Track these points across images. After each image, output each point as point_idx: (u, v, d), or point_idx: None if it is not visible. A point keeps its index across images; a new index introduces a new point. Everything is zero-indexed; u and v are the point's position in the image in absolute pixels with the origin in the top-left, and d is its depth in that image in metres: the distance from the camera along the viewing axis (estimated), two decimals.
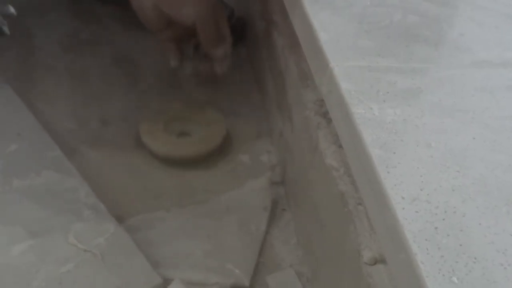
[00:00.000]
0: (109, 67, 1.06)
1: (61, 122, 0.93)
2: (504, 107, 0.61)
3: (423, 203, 0.49)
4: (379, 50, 0.66)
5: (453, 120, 0.58)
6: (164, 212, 0.82)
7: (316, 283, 0.76)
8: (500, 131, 0.58)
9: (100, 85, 1.02)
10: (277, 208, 0.87)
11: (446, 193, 0.50)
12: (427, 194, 0.50)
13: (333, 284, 0.69)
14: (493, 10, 0.77)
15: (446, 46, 0.69)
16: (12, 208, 0.76)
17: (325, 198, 0.70)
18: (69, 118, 0.94)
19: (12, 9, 0.70)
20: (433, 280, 0.43)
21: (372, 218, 0.54)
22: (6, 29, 0.73)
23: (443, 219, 0.48)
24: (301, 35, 0.73)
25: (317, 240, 0.75)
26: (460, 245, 0.46)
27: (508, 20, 0.76)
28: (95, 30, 1.14)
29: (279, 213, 0.86)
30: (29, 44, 1.08)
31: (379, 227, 0.52)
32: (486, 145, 0.56)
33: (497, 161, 0.54)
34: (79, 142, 0.90)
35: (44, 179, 0.80)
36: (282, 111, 0.89)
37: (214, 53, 0.95)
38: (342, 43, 0.66)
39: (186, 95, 1.04)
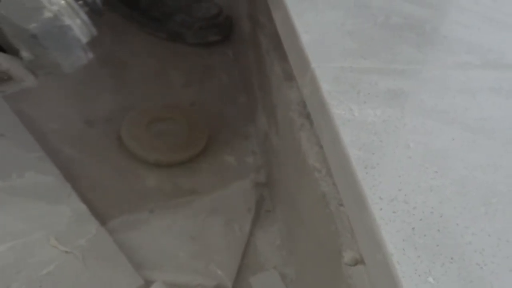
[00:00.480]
0: (95, 68, 1.06)
1: (45, 123, 0.92)
2: (484, 108, 0.61)
3: (401, 204, 0.49)
4: (362, 51, 0.66)
5: (434, 121, 0.58)
6: (148, 213, 0.82)
7: (299, 284, 0.76)
8: (480, 132, 0.58)
9: (85, 86, 1.01)
10: (262, 209, 0.86)
11: (424, 193, 0.50)
12: (405, 195, 0.50)
13: (316, 285, 0.69)
14: (476, 12, 0.78)
15: (429, 47, 0.70)
16: None
17: (308, 199, 0.70)
18: (53, 119, 0.93)
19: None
20: (409, 280, 0.43)
21: (351, 218, 0.54)
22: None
23: (420, 219, 0.48)
24: (284, 36, 0.73)
25: (301, 241, 0.75)
26: (437, 245, 0.46)
27: (490, 22, 0.76)
28: None
29: (263, 214, 0.86)
30: None
31: (357, 228, 0.52)
32: (466, 146, 0.56)
33: (476, 161, 0.54)
34: (62, 142, 0.90)
35: (26, 180, 0.80)
36: (268, 113, 0.89)
37: None
38: (325, 44, 0.66)
39: (172, 96, 1.03)
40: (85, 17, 0.64)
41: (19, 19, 0.59)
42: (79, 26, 0.63)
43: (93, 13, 0.66)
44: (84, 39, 0.65)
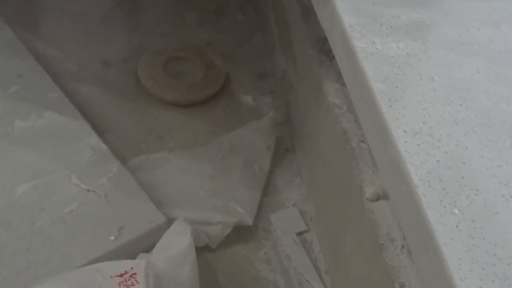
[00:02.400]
0: (110, 8, 1.04)
1: (62, 64, 0.92)
2: (509, 39, 0.60)
3: (426, 136, 0.49)
4: None
5: (457, 54, 0.57)
6: (167, 153, 0.82)
7: (319, 221, 0.76)
8: (504, 64, 0.57)
9: (101, 27, 1.01)
10: (280, 148, 0.86)
11: (449, 126, 0.50)
12: (430, 128, 0.49)
13: (336, 221, 0.69)
14: None
15: None
16: (15, 149, 0.76)
17: (328, 136, 0.70)
18: (70, 60, 0.93)
19: None
20: (434, 212, 0.43)
21: (374, 152, 0.54)
22: None
23: (446, 152, 0.48)
24: None
25: (320, 178, 0.75)
26: (462, 177, 0.46)
27: None
28: None
29: (282, 153, 0.86)
30: None
31: (381, 161, 0.52)
32: (490, 78, 0.55)
33: (501, 93, 0.53)
34: (80, 83, 0.90)
35: (46, 121, 0.80)
36: (285, 50, 0.88)
37: None
38: None
39: (187, 36, 1.02)
40: None
41: None
42: None
43: None
44: None
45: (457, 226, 0.43)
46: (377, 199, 0.58)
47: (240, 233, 0.75)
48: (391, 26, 0.59)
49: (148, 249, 0.67)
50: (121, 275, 0.59)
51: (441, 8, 0.62)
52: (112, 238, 0.68)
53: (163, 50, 0.96)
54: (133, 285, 0.58)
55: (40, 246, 0.67)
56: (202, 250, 0.72)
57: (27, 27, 0.97)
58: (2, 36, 0.92)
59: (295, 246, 0.76)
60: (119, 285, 0.58)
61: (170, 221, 0.72)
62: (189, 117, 0.89)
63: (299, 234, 0.77)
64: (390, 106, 0.51)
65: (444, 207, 0.44)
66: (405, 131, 0.49)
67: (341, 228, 0.67)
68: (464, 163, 0.47)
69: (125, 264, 0.60)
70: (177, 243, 0.65)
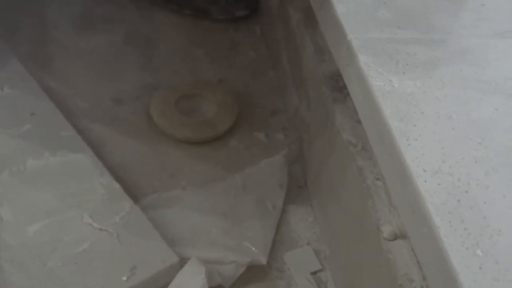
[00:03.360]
0: (122, 46, 1.05)
1: (74, 101, 0.92)
2: None
3: (445, 176, 0.48)
4: (398, 21, 0.65)
5: (475, 91, 0.57)
6: (180, 191, 0.81)
7: (334, 260, 0.75)
8: None
9: (113, 64, 1.01)
10: (294, 185, 0.86)
11: (469, 165, 0.49)
12: (449, 167, 0.49)
13: (351, 260, 0.68)
14: None
15: (467, 16, 0.68)
16: (27, 188, 0.75)
17: (342, 174, 0.69)
18: (82, 97, 0.93)
19: None
20: (456, 253, 0.42)
21: (392, 192, 0.53)
22: None
23: (466, 192, 0.47)
24: (317, 8, 0.71)
25: (335, 216, 0.74)
26: (484, 217, 0.45)
27: None
28: (108, 9, 1.13)
29: (296, 190, 0.85)
30: (42, 24, 1.07)
31: (399, 201, 0.51)
32: (509, 116, 0.54)
33: None
34: (92, 121, 0.89)
35: (59, 159, 0.80)
36: (298, 87, 0.88)
37: None
38: (360, 15, 0.65)
39: (199, 73, 1.02)
40: None
41: None
42: None
43: None
44: None
45: (480, 268, 0.42)
46: (395, 239, 0.57)
47: (253, 273, 0.74)
48: (407, 64, 0.59)
49: None
50: None
51: (458, 46, 0.62)
52: (124, 278, 0.67)
53: (176, 87, 0.96)
54: None
55: (52, 287, 0.66)
56: None
57: (40, 64, 0.98)
58: (15, 74, 0.92)
59: (310, 286, 0.74)
60: None
61: (183, 261, 0.71)
62: (202, 154, 0.88)
63: (314, 273, 0.76)
64: (409, 145, 0.50)
65: (467, 248, 0.43)
66: (424, 170, 0.48)
67: (357, 267, 0.66)
68: (485, 202, 0.46)
69: None
70: (191, 284, 0.64)
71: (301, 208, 0.83)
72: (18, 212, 0.72)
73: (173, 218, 0.77)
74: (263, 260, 0.74)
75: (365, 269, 0.63)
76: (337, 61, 0.64)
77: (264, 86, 1.02)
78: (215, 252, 0.74)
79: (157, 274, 0.69)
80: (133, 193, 0.79)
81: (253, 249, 0.75)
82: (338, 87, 0.72)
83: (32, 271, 0.67)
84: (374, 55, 0.59)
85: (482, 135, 0.52)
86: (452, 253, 0.42)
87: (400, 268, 0.54)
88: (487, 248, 0.43)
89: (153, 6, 1.14)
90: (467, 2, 0.70)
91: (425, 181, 0.47)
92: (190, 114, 0.93)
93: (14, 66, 0.93)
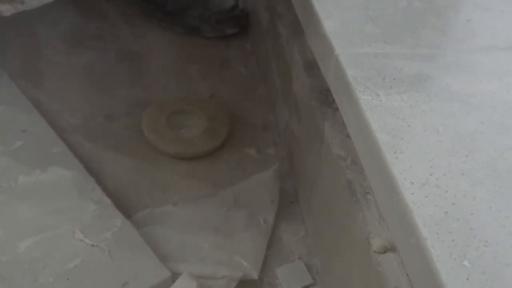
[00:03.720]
0: (114, 62, 1.06)
1: (66, 118, 0.93)
2: (511, 91, 0.60)
3: (433, 188, 0.48)
4: (386, 36, 0.66)
5: (461, 105, 0.57)
6: (172, 206, 0.81)
7: (325, 274, 0.75)
8: (508, 115, 0.57)
9: (104, 80, 1.02)
10: (285, 200, 0.86)
11: (456, 177, 0.50)
12: (436, 179, 0.49)
13: (342, 274, 0.68)
14: None
15: (453, 31, 0.69)
16: (18, 205, 0.76)
17: (332, 188, 0.70)
18: (74, 114, 0.94)
19: None
20: (444, 264, 0.43)
21: (381, 205, 0.54)
22: None
23: (453, 203, 0.47)
24: (305, 24, 0.72)
25: (326, 231, 0.74)
26: (471, 229, 0.46)
27: None
28: (99, 26, 1.14)
29: (287, 205, 0.86)
30: (34, 41, 1.08)
31: (388, 213, 0.52)
32: (494, 129, 0.55)
33: (506, 144, 0.53)
34: (84, 137, 0.90)
35: (50, 175, 0.80)
36: (288, 103, 0.89)
37: None
38: (348, 30, 0.66)
39: (190, 89, 1.03)
40: None
41: None
42: None
43: None
44: None
45: (468, 279, 0.42)
46: (385, 252, 0.57)
47: (245, 287, 0.74)
48: (394, 78, 0.59)
49: None
50: None
51: (444, 60, 0.63)
52: None
53: (167, 103, 0.96)
54: None
55: None
56: None
57: (32, 81, 0.98)
58: (7, 91, 0.93)
59: None
60: None
61: (174, 276, 0.71)
62: (193, 170, 0.88)
63: (305, 287, 0.76)
64: (396, 158, 0.51)
65: (454, 259, 0.43)
66: (412, 183, 0.49)
67: (348, 281, 0.66)
68: (472, 214, 0.47)
69: None
70: None
71: (293, 223, 0.84)
72: (9, 228, 0.72)
73: (164, 234, 0.77)
74: (255, 275, 0.75)
75: (355, 282, 0.63)
76: (325, 76, 0.65)
77: (255, 101, 1.03)
78: (206, 267, 0.74)
79: None
80: (125, 209, 0.79)
81: (245, 263, 0.75)
82: (327, 101, 0.72)
83: (23, 287, 0.67)
84: (362, 69, 0.60)
85: (469, 148, 0.53)
86: (439, 264, 0.43)
87: (390, 280, 0.54)
88: (474, 259, 0.43)
89: (145, 24, 1.15)
90: (453, 18, 0.71)
91: (413, 193, 0.48)
92: (181, 130, 0.94)
93: (5, 83, 0.94)
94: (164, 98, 0.98)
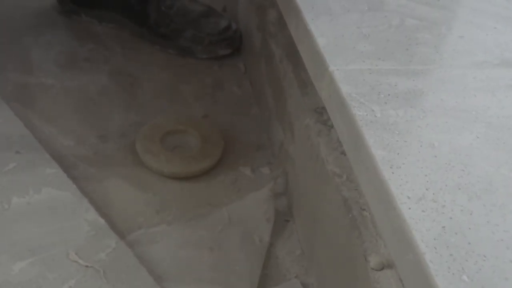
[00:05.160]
0: (107, 84, 1.06)
1: (59, 139, 0.92)
2: (506, 106, 0.60)
3: (430, 203, 0.48)
4: (379, 53, 0.66)
5: (456, 120, 0.58)
6: (166, 226, 0.81)
7: None
8: (503, 130, 0.57)
9: (98, 102, 1.02)
10: (280, 219, 0.85)
11: (452, 192, 0.50)
12: (433, 194, 0.49)
13: None
14: (491, 12, 0.77)
15: (446, 48, 0.69)
16: (11, 226, 0.75)
17: (328, 206, 0.69)
18: (67, 135, 0.93)
19: None
20: (443, 279, 0.42)
21: (377, 221, 0.54)
22: None
23: (450, 218, 0.47)
24: (299, 42, 0.73)
25: (322, 248, 0.74)
26: (469, 243, 0.45)
27: (505, 21, 0.75)
28: (92, 48, 1.14)
29: (282, 224, 0.85)
30: (27, 63, 1.07)
31: (385, 229, 0.51)
32: (490, 144, 0.55)
33: (501, 159, 0.54)
34: (77, 158, 0.89)
35: (44, 197, 0.79)
36: (282, 121, 0.89)
37: None
38: (341, 48, 0.66)
39: (184, 109, 1.03)
40: None
41: None
42: None
43: None
44: None
45: None
46: (382, 268, 0.57)
47: None
48: (389, 94, 0.60)
49: None
50: None
51: (438, 76, 0.64)
52: None
53: (161, 123, 0.96)
54: None
55: None
56: None
57: (25, 103, 0.98)
58: (0, 113, 0.92)
59: None
60: None
61: None
62: (187, 189, 0.88)
63: None
64: (392, 173, 0.51)
65: (453, 274, 0.43)
66: (408, 198, 0.49)
67: None
68: (469, 228, 0.47)
69: None
70: None
71: (288, 241, 0.83)
72: (2, 251, 0.72)
73: (159, 254, 0.77)
74: None
75: None
76: (319, 93, 0.65)
77: (249, 121, 1.03)
78: (202, 287, 0.74)
79: None
80: (119, 230, 0.79)
81: (240, 283, 0.74)
82: (322, 119, 0.72)
83: None
84: (356, 86, 0.60)
85: (465, 162, 0.53)
86: (438, 278, 0.43)
87: None
88: (473, 274, 0.43)
89: (138, 46, 1.16)
90: (446, 34, 0.72)
91: (410, 208, 0.48)
92: (176, 150, 0.93)
93: None
94: (158, 119, 0.98)
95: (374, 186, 0.52)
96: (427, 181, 0.50)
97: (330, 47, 0.65)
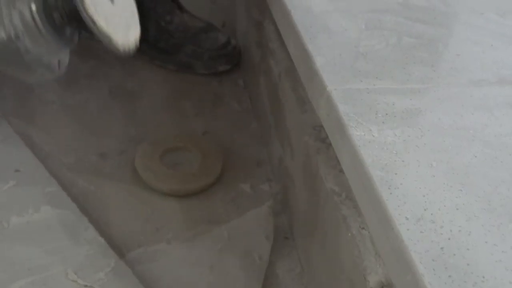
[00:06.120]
0: (106, 101, 1.06)
1: (59, 157, 0.92)
2: (503, 124, 0.61)
3: (428, 223, 0.48)
4: (377, 72, 0.66)
5: (454, 139, 0.58)
6: (166, 245, 0.81)
7: None
8: (501, 148, 0.57)
9: (97, 119, 1.02)
10: (280, 236, 0.85)
11: (451, 212, 0.50)
12: (431, 214, 0.49)
13: None
14: (487, 29, 0.77)
15: (443, 66, 0.69)
16: (10, 245, 0.75)
17: (327, 224, 0.69)
18: (67, 153, 0.93)
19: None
20: None
21: (376, 241, 0.54)
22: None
23: (449, 239, 0.47)
24: (297, 61, 0.73)
25: (322, 267, 0.74)
26: (468, 264, 0.45)
27: (502, 38, 0.76)
28: (92, 65, 1.14)
29: (282, 241, 0.85)
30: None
31: (384, 249, 0.51)
32: (488, 163, 0.55)
33: (499, 178, 0.54)
34: (77, 176, 0.89)
35: (43, 215, 0.79)
36: (281, 138, 0.89)
37: None
38: (339, 67, 0.66)
39: (184, 126, 1.03)
40: (48, 32, 0.58)
41: None
42: (43, 47, 0.58)
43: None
44: (50, 58, 0.60)
45: None
46: None
47: None
48: (386, 114, 0.60)
49: None
50: None
51: (434, 95, 0.64)
52: None
53: (160, 140, 0.96)
54: None
55: None
56: None
57: (24, 121, 0.98)
58: (0, 131, 0.92)
59: None
60: None
61: None
62: (187, 207, 0.88)
63: None
64: (391, 193, 0.51)
65: None
66: (407, 218, 0.49)
67: None
68: (468, 249, 0.47)
69: None
70: None
71: (288, 259, 0.83)
72: (1, 270, 0.72)
73: (159, 273, 0.77)
74: None
75: None
76: (317, 112, 0.66)
77: (249, 137, 1.03)
78: None
79: None
80: (119, 248, 0.79)
81: None
82: (320, 137, 0.72)
83: None
84: (354, 105, 0.60)
85: (463, 182, 0.53)
86: None
87: None
88: None
89: (137, 62, 1.16)
90: (443, 52, 0.72)
91: (408, 229, 0.48)
92: (175, 167, 0.93)
93: None
94: (158, 136, 0.98)
95: (372, 206, 0.52)
96: (425, 201, 0.50)
97: (328, 66, 0.65)
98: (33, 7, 0.55)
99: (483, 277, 0.45)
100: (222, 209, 0.89)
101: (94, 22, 0.55)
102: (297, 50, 0.73)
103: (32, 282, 0.71)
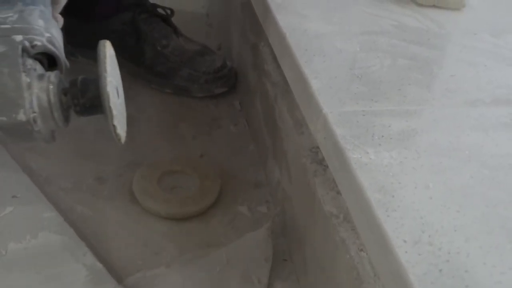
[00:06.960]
0: (103, 124, 1.06)
1: (56, 182, 0.92)
2: (499, 144, 0.61)
3: (426, 246, 0.48)
4: (373, 94, 0.67)
5: (450, 160, 0.58)
6: (165, 269, 0.80)
7: None
8: (498, 169, 0.57)
9: (95, 143, 1.02)
10: (279, 258, 0.85)
11: (448, 233, 0.50)
12: (429, 236, 0.49)
13: None
14: (480, 49, 0.78)
15: (438, 87, 0.70)
16: (8, 273, 0.75)
17: (326, 246, 0.69)
18: (64, 177, 0.93)
19: None
20: None
21: (375, 263, 0.54)
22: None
23: (447, 261, 0.47)
24: (293, 83, 0.73)
25: None
26: (467, 286, 0.45)
27: (495, 57, 0.77)
28: None
29: (281, 263, 0.85)
30: None
31: (382, 272, 0.51)
32: (485, 183, 0.55)
33: (497, 198, 0.54)
34: (74, 201, 0.89)
35: (41, 241, 0.79)
36: (279, 160, 0.89)
37: None
38: (335, 89, 0.67)
39: (181, 149, 1.03)
40: (60, 118, 0.60)
41: None
42: (49, 127, 0.60)
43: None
44: (48, 135, 0.62)
45: None
46: None
47: None
48: (382, 136, 0.60)
49: None
50: None
51: (431, 116, 0.64)
52: None
53: (157, 164, 0.96)
54: None
55: None
56: None
57: (22, 146, 0.98)
58: None
59: None
60: None
61: None
62: (185, 230, 0.88)
63: None
64: (388, 216, 0.51)
65: None
66: (404, 241, 0.49)
67: None
68: (467, 271, 0.47)
69: None
70: None
71: (287, 282, 0.83)
72: None
73: None
74: None
75: None
76: (314, 135, 0.66)
77: (246, 159, 1.03)
78: None
79: None
80: (117, 273, 0.78)
81: None
82: (318, 159, 0.73)
83: None
84: (350, 128, 0.60)
85: (460, 203, 0.53)
86: None
87: None
88: None
89: (134, 86, 1.17)
90: (437, 74, 0.72)
91: (406, 252, 0.48)
92: (173, 191, 0.93)
93: None
94: (155, 159, 0.98)
95: (370, 229, 0.52)
96: (423, 223, 0.50)
97: (324, 89, 0.66)
98: (51, 93, 0.56)
99: None
100: (221, 232, 0.88)
101: (111, 113, 0.58)
102: (292, 72, 0.73)
103: None
